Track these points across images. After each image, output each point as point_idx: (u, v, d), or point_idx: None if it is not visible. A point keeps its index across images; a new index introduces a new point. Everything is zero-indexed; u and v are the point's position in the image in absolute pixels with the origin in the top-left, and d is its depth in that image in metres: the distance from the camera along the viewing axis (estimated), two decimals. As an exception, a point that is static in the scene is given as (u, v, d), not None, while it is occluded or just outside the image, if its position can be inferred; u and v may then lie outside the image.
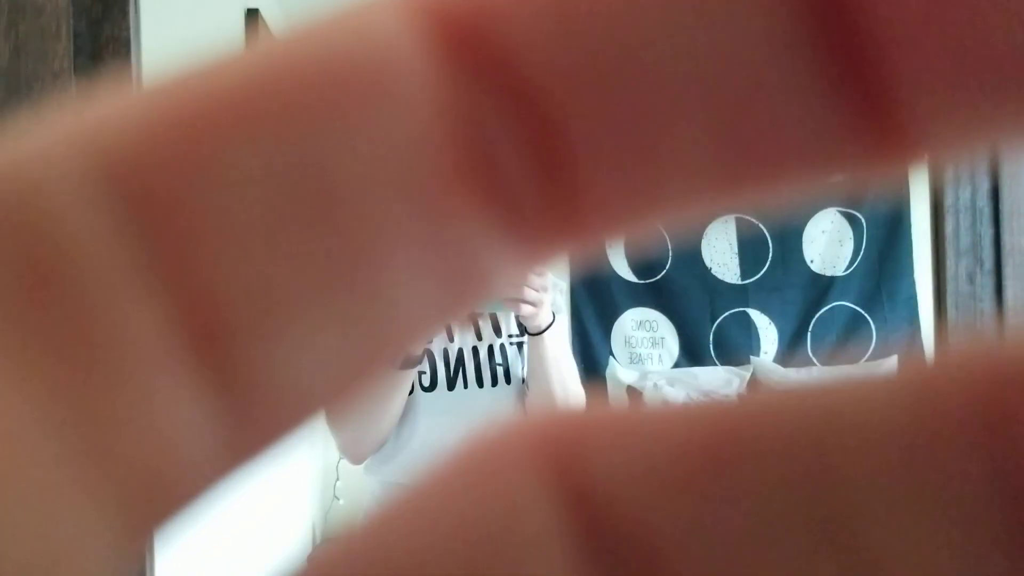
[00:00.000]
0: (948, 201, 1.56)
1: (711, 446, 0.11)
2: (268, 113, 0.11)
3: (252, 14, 3.01)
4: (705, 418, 0.11)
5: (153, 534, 0.11)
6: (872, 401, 0.11)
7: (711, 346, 4.03)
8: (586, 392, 1.97)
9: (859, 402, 0.11)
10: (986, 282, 1.48)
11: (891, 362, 3.96)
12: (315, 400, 0.12)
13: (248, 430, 0.11)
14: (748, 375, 3.93)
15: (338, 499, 3.69)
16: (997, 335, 0.11)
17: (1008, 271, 1.48)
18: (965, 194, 1.56)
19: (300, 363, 0.11)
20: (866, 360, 3.92)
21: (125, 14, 1.24)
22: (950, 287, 1.50)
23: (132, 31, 1.25)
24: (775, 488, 0.11)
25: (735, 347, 3.99)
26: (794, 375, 3.86)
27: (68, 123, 0.11)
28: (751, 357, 3.98)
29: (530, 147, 0.11)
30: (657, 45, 0.11)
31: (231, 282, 0.11)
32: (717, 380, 3.89)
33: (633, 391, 3.85)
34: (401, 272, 0.11)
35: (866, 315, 3.98)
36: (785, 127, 0.11)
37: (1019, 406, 0.10)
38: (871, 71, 0.11)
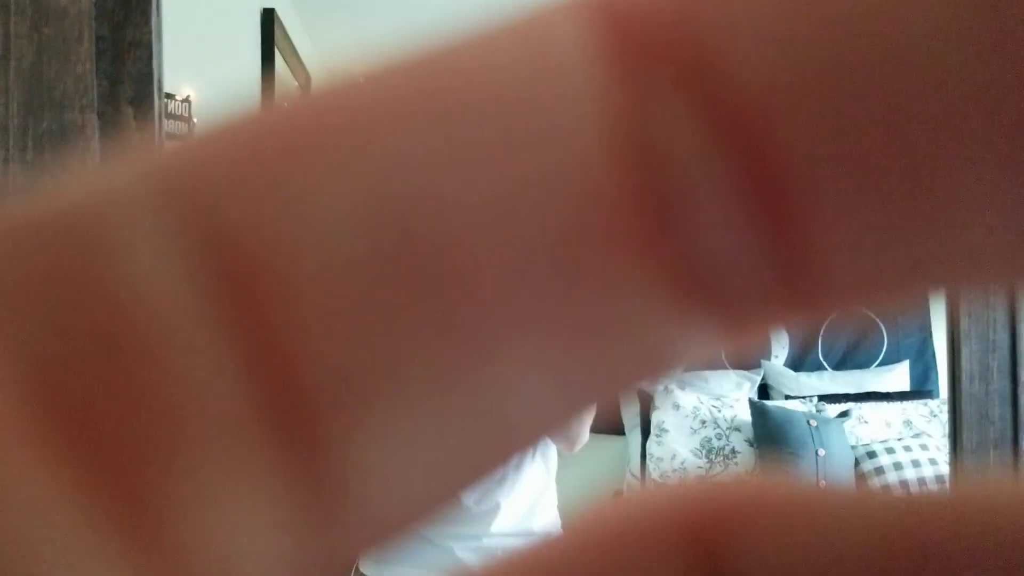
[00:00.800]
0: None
1: (898, 557, 0.09)
2: (381, 140, 0.09)
3: (268, 14, 3.02)
4: (890, 515, 0.09)
5: None
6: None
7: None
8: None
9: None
10: (999, 292, 1.48)
11: (902, 368, 3.95)
12: (412, 507, 0.09)
13: (330, 537, 0.09)
14: (759, 379, 3.92)
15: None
16: None
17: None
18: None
19: (397, 464, 0.09)
20: (877, 366, 3.91)
21: (147, 17, 1.25)
22: (963, 297, 1.50)
23: (154, 34, 1.26)
24: None
25: (746, 351, 3.98)
26: (806, 380, 3.86)
27: (136, 159, 0.09)
28: (762, 361, 3.98)
29: (737, 184, 0.08)
30: (916, 51, 0.08)
31: (319, 356, 0.09)
32: (728, 384, 3.89)
33: (643, 393, 3.84)
34: (528, 348, 0.09)
35: (878, 320, 3.97)
36: None
37: None
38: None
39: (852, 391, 3.83)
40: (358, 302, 0.09)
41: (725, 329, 0.09)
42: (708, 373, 3.90)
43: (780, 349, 4.00)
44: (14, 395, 0.08)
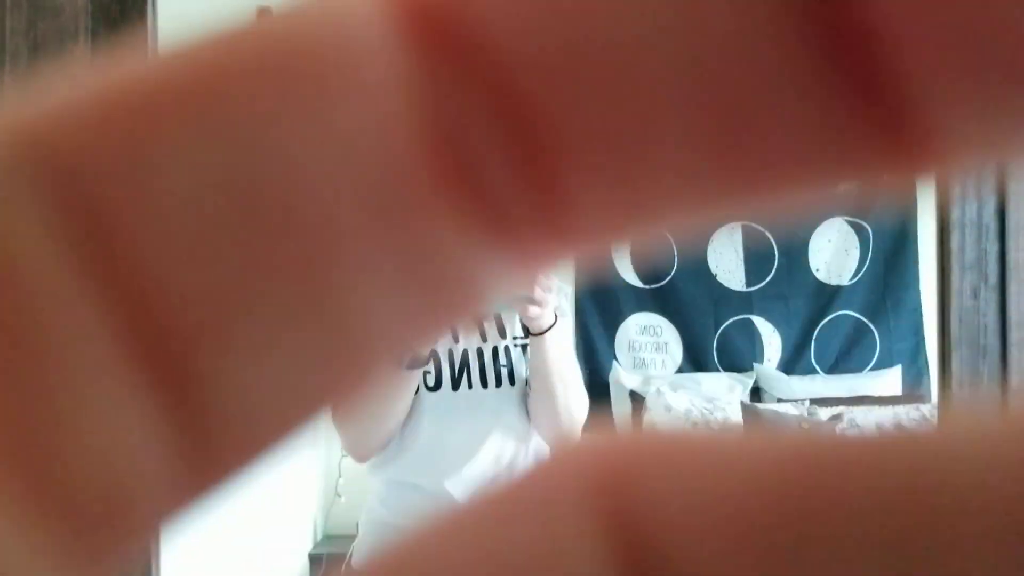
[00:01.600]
0: (954, 216, 1.56)
1: (787, 490, 0.10)
2: (215, 106, 0.10)
3: (264, 13, 3.02)
4: (781, 456, 0.10)
5: (105, 563, 0.10)
6: (993, 458, 0.09)
7: (714, 352, 4.03)
8: (588, 395, 1.97)
9: (979, 460, 0.09)
10: (990, 297, 1.49)
11: (894, 373, 3.96)
12: (277, 423, 0.11)
13: (207, 453, 0.10)
14: (751, 382, 3.93)
15: (340, 497, 3.69)
16: None
17: (1012, 287, 1.49)
18: (971, 210, 1.57)
19: (258, 383, 0.10)
20: (869, 370, 3.92)
21: (143, 15, 1.25)
22: (954, 302, 1.51)
23: (150, 32, 1.26)
24: (866, 549, 0.09)
25: (738, 354, 3.99)
26: (797, 383, 3.87)
27: (5, 113, 0.10)
28: (754, 364, 3.98)
29: (512, 145, 0.10)
30: (650, 40, 0.10)
31: (178, 289, 0.10)
32: (720, 387, 3.89)
33: (635, 395, 3.85)
34: (370, 284, 0.10)
35: (870, 325, 3.98)
36: (788, 132, 0.10)
37: None
38: (880, 72, 0.10)
39: (844, 395, 3.83)
40: (210, 244, 0.10)
41: (513, 258, 0.11)
42: (700, 375, 3.90)
43: (773, 352, 4.01)
44: None
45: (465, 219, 0.11)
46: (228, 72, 0.10)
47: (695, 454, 0.10)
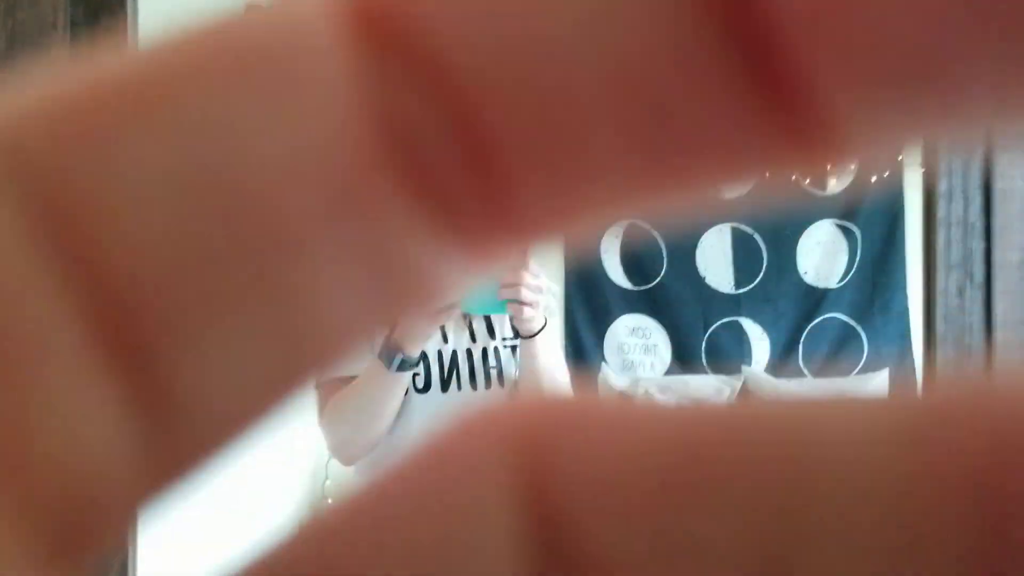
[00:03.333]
0: (940, 215, 1.56)
1: (684, 453, 0.10)
2: (174, 102, 0.10)
3: (252, 8, 3.01)
4: (685, 420, 0.11)
5: (77, 559, 0.10)
6: (863, 430, 0.10)
7: (703, 354, 4.03)
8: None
9: (849, 428, 0.10)
10: (975, 296, 1.49)
11: (882, 376, 3.97)
12: (239, 412, 0.11)
13: (170, 445, 0.11)
14: (739, 384, 3.93)
15: (327, 499, 3.68)
16: (992, 372, 0.10)
17: (998, 286, 1.48)
18: (957, 208, 1.57)
19: (218, 373, 0.11)
20: (857, 373, 3.93)
21: (123, 4, 1.24)
22: (939, 300, 1.51)
23: (129, 22, 1.25)
24: (741, 500, 0.10)
25: (727, 356, 3.99)
26: (785, 386, 3.87)
27: None
28: (742, 367, 3.98)
29: (457, 140, 0.11)
30: (566, 38, 0.10)
31: (137, 282, 0.10)
32: (708, 388, 3.89)
33: (624, 397, 3.84)
34: (321, 273, 0.11)
35: (858, 328, 3.99)
36: (698, 124, 0.11)
37: (1014, 478, 0.09)
38: (782, 62, 0.10)
39: (832, 398, 3.83)
40: (170, 236, 0.10)
41: (461, 248, 0.11)
42: (688, 377, 3.91)
43: (761, 354, 4.01)
44: None
45: (416, 211, 0.11)
46: (188, 69, 0.10)
47: (608, 419, 0.11)
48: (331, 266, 0.11)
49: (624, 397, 0.11)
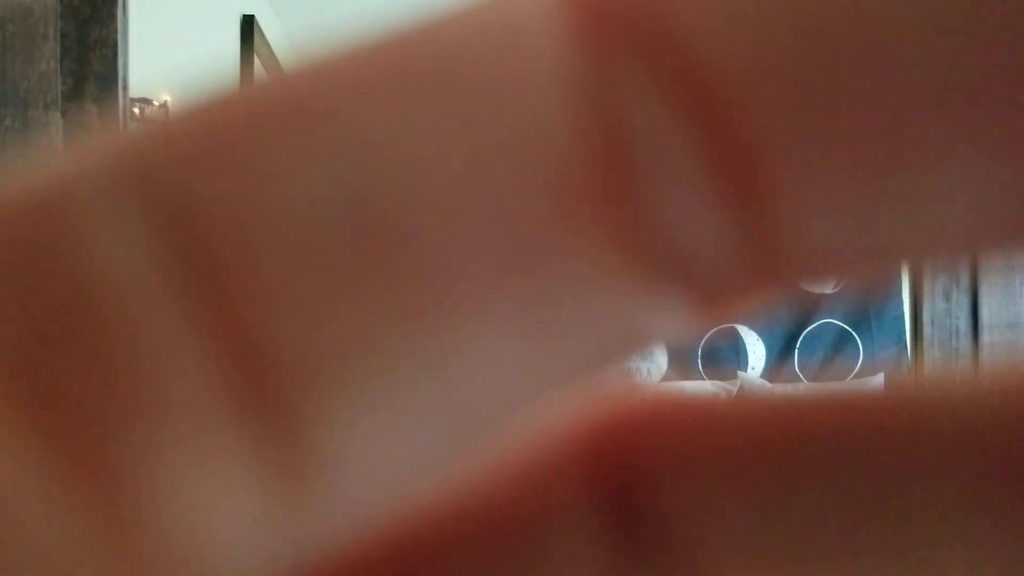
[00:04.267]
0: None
1: (772, 439, 0.10)
2: (326, 115, 0.09)
3: (248, 21, 3.02)
4: (774, 406, 0.10)
5: None
6: (961, 411, 0.10)
7: (699, 360, 4.03)
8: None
9: (938, 408, 0.10)
10: (962, 300, 1.50)
11: (878, 380, 3.96)
12: (384, 489, 0.09)
13: (304, 517, 0.09)
14: (735, 390, 3.93)
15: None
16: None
17: (984, 289, 1.49)
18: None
19: (368, 444, 0.09)
20: (853, 378, 3.92)
21: (113, 16, 1.25)
22: (926, 304, 1.51)
23: (120, 34, 1.26)
24: (837, 488, 0.10)
25: (723, 362, 3.99)
26: (781, 391, 3.84)
27: (102, 141, 0.09)
28: (739, 372, 3.98)
29: (706, 167, 0.09)
30: (914, 31, 0.08)
31: (286, 335, 0.09)
32: (705, 394, 3.89)
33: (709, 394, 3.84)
34: (493, 329, 0.09)
35: (854, 333, 3.98)
36: None
37: None
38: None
39: (828, 403, 3.83)
40: (324, 281, 0.09)
41: (692, 302, 0.09)
42: (685, 383, 3.90)
43: (757, 360, 4.01)
44: None
45: (632, 247, 0.09)
46: (355, 80, 0.09)
47: (691, 410, 0.10)
48: (509, 317, 0.09)
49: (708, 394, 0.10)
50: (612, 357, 0.10)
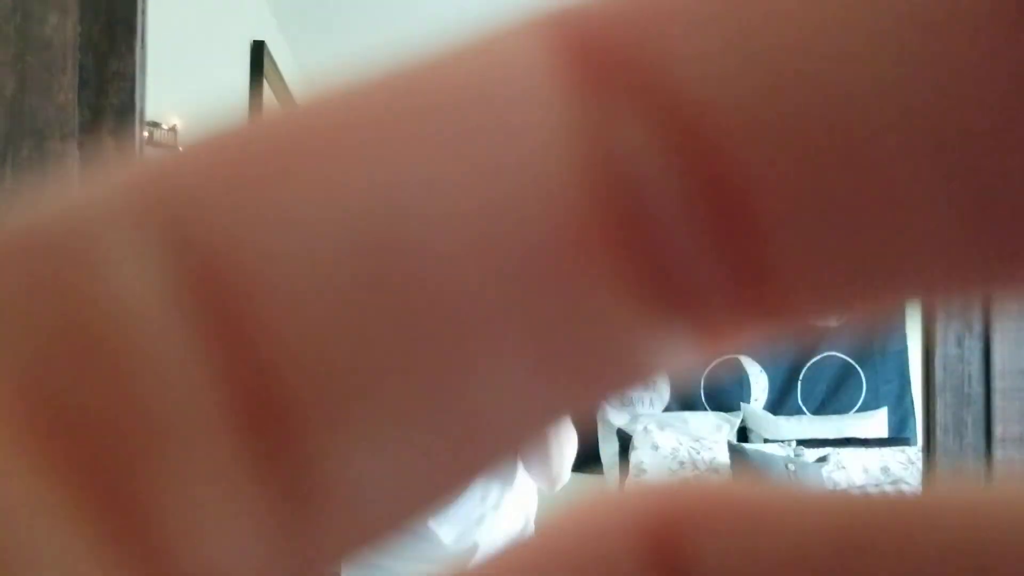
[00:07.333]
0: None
1: (839, 547, 0.10)
2: (335, 150, 0.09)
3: (258, 46, 3.03)
4: (831, 512, 0.10)
5: None
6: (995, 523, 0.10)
7: (702, 391, 4.03)
8: (576, 433, 1.96)
9: (974, 524, 0.10)
10: (974, 346, 1.49)
11: (880, 414, 3.96)
12: (385, 516, 0.10)
13: (309, 544, 0.09)
14: (738, 422, 3.92)
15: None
16: None
17: (996, 336, 1.49)
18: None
19: (374, 475, 0.09)
20: (856, 411, 3.92)
21: (131, 49, 1.25)
22: (939, 350, 1.51)
23: (138, 66, 1.26)
24: None
25: (726, 393, 3.99)
26: (784, 423, 3.87)
27: (118, 172, 0.09)
28: (741, 404, 3.98)
29: (701, 203, 0.09)
30: (891, 92, 0.08)
31: (296, 369, 0.09)
32: (707, 426, 3.88)
33: (623, 433, 3.84)
34: (500, 359, 0.09)
35: (857, 367, 3.98)
36: None
37: None
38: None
39: (831, 436, 3.83)
40: (335, 317, 0.09)
41: (694, 336, 0.09)
42: (687, 414, 3.90)
43: (760, 392, 4.00)
44: (1, 403, 0.09)
45: (634, 285, 0.09)
46: (363, 115, 0.09)
47: (749, 508, 0.10)
48: (515, 353, 0.09)
49: (764, 482, 0.11)
50: (615, 388, 0.10)
